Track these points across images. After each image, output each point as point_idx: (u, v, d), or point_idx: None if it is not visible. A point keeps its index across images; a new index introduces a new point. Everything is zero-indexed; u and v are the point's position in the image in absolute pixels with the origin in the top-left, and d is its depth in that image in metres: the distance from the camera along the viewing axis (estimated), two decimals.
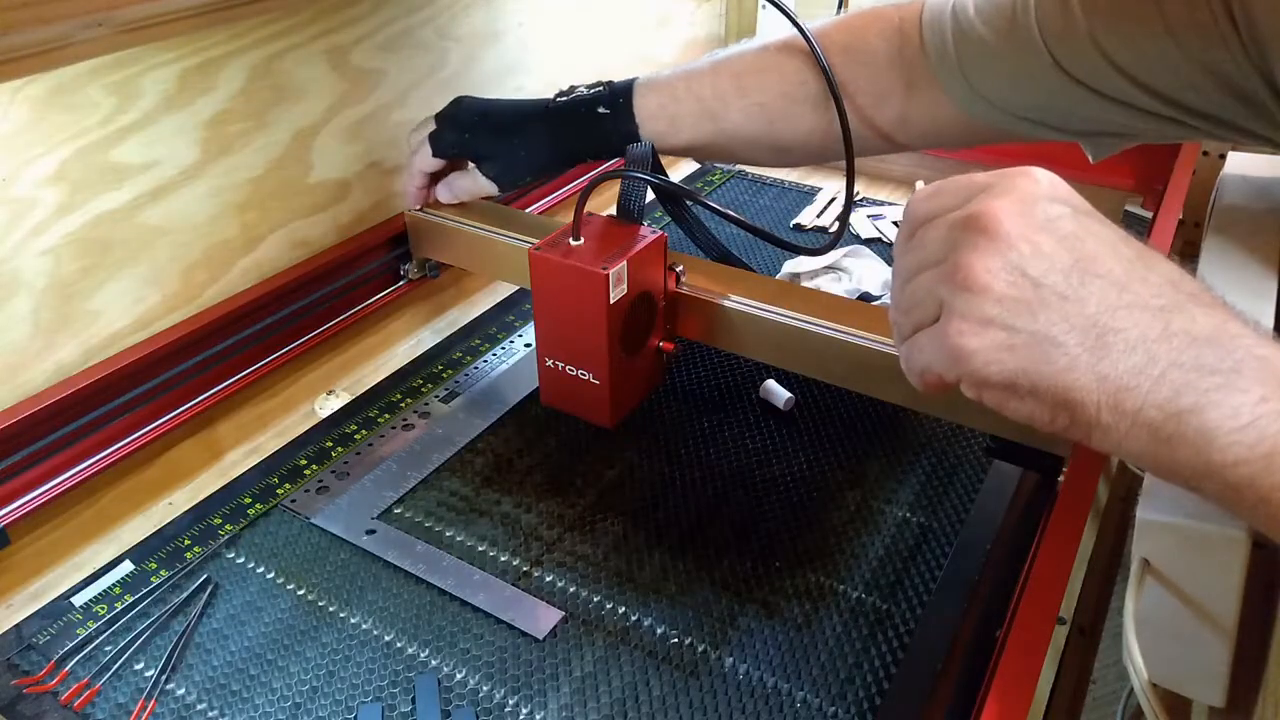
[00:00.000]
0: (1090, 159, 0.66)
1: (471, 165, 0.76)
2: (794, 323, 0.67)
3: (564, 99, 0.73)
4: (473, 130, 0.74)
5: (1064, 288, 0.36)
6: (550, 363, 0.68)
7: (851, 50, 0.68)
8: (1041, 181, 0.39)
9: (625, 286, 0.63)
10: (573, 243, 0.64)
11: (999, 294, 0.37)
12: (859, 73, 0.68)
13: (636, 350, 0.69)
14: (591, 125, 0.72)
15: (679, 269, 0.70)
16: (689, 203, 0.74)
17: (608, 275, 0.61)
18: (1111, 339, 0.36)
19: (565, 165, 0.77)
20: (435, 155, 0.75)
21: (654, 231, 0.67)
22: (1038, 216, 0.37)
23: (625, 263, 0.62)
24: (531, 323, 0.86)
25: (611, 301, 0.62)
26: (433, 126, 0.75)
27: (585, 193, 0.64)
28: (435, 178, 0.79)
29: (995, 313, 0.37)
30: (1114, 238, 0.38)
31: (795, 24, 0.68)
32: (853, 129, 0.68)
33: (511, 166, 0.75)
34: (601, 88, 0.72)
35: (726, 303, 0.69)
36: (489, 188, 0.76)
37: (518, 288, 0.90)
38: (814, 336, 0.66)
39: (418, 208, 0.79)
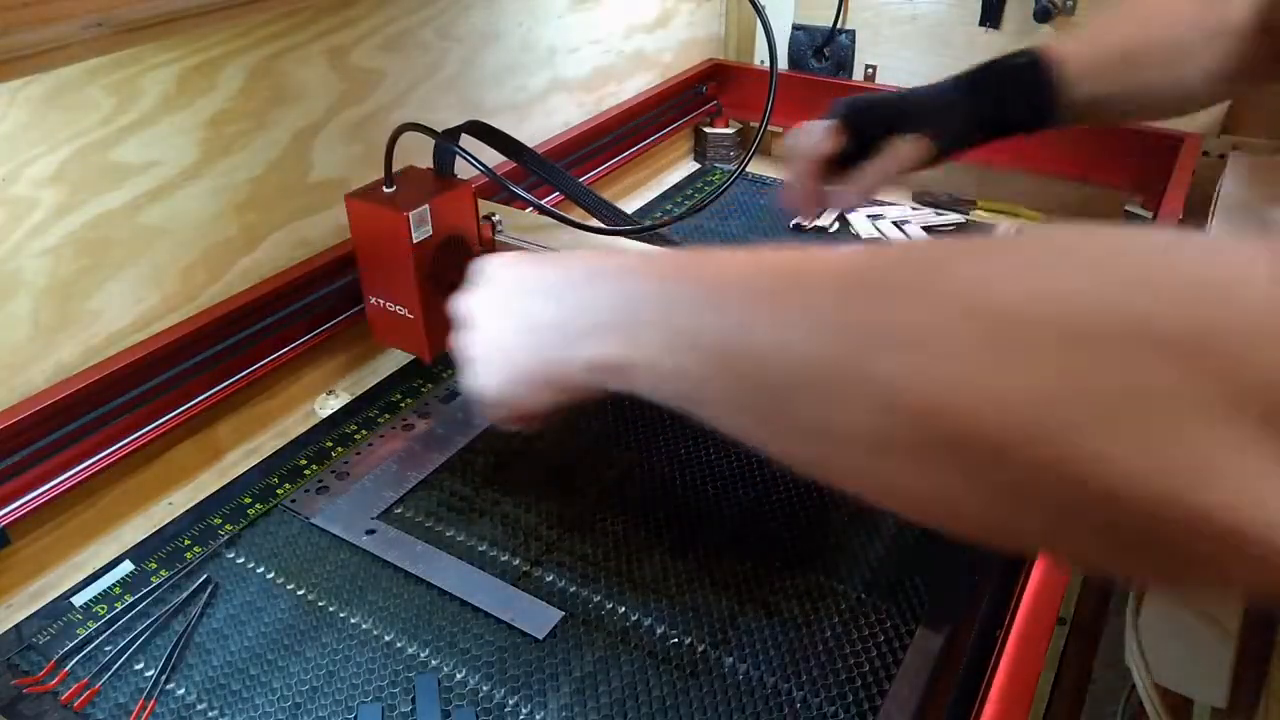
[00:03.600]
0: None
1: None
2: None
3: (970, 68, 0.68)
4: (883, 104, 0.67)
5: (504, 329, 0.46)
6: (374, 300, 0.74)
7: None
8: (495, 275, 0.48)
9: (429, 228, 0.69)
10: (385, 190, 0.69)
11: (471, 346, 0.47)
12: (1206, 17, 0.65)
13: (452, 290, 0.72)
14: (1011, 79, 0.66)
15: (496, 218, 0.75)
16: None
17: (408, 217, 0.67)
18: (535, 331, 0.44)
19: (988, 131, 0.69)
20: (844, 128, 0.66)
21: (464, 182, 0.72)
22: (483, 300, 0.47)
23: (427, 207, 0.68)
24: None
25: (415, 242, 0.68)
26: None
27: (391, 141, 0.68)
28: (821, 173, 0.69)
29: (474, 355, 0.47)
30: (534, 288, 0.45)
31: (758, 10, 0.68)
32: (1228, 69, 0.65)
33: (942, 126, 0.66)
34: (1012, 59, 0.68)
35: (546, 251, 0.72)
36: (915, 153, 0.66)
37: None
38: None
39: (807, 223, 0.69)
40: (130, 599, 0.59)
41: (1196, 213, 0.94)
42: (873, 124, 0.68)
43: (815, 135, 0.67)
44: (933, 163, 0.68)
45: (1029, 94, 0.67)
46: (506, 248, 0.75)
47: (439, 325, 0.73)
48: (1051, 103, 0.66)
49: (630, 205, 1.11)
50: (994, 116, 0.68)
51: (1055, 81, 0.66)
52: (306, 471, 0.70)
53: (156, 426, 0.67)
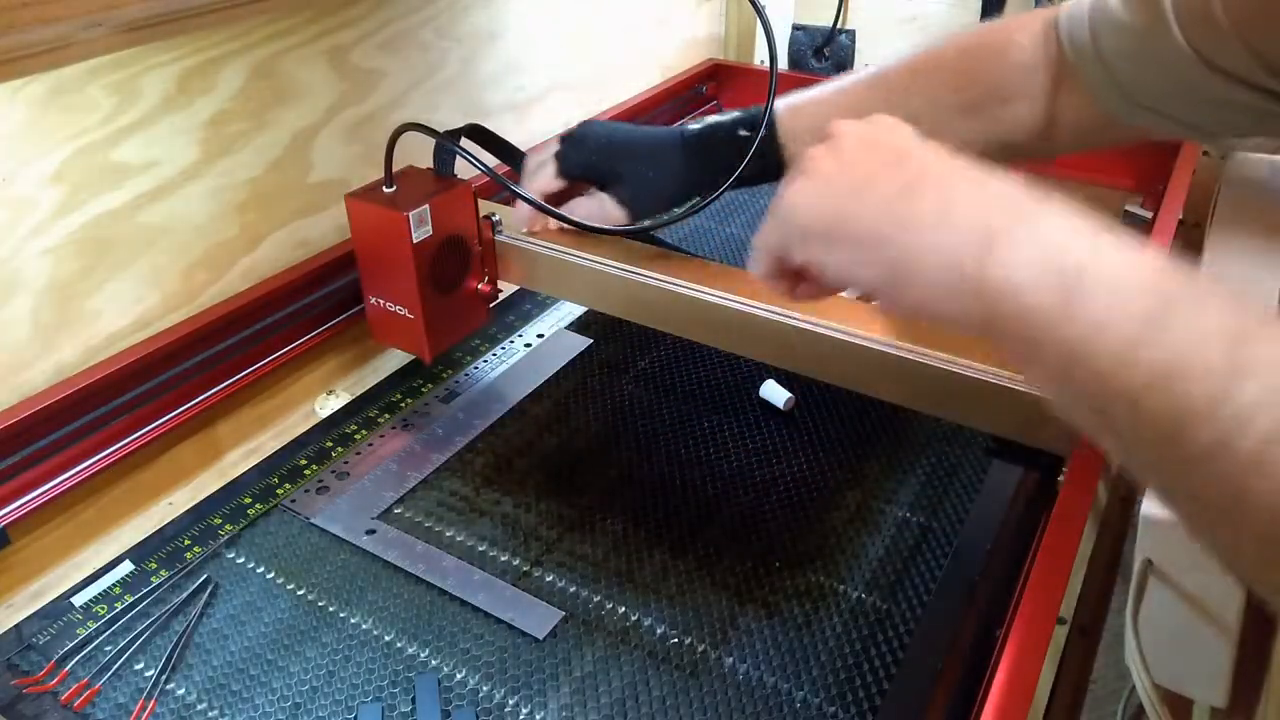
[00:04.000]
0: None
1: (596, 191, 0.72)
2: (603, 268, 0.71)
3: (698, 125, 0.71)
4: (601, 152, 0.71)
5: (887, 159, 0.42)
6: (374, 300, 0.74)
7: (1001, 51, 0.66)
8: (891, 119, 0.45)
9: (430, 228, 0.69)
10: (385, 190, 0.69)
11: (821, 164, 0.43)
12: (1010, 75, 0.66)
13: (451, 290, 0.74)
14: (732, 149, 0.69)
15: (495, 218, 0.75)
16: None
17: (408, 217, 0.67)
18: (920, 188, 0.40)
19: (700, 193, 0.72)
20: (560, 175, 0.72)
21: (464, 182, 0.72)
22: (872, 129, 0.45)
23: (427, 206, 0.68)
24: (532, 322, 0.87)
25: (415, 241, 0.68)
26: (554, 148, 0.72)
27: (391, 141, 0.68)
28: (552, 204, 0.74)
29: (820, 173, 0.43)
30: (940, 150, 0.43)
31: (758, 10, 0.69)
32: (1005, 133, 0.67)
33: (645, 192, 0.70)
34: (739, 112, 0.70)
35: (545, 251, 0.73)
36: (617, 214, 0.71)
37: (516, 288, 0.90)
38: (622, 280, 0.71)
39: (526, 230, 0.74)
40: (130, 599, 0.59)
41: (1197, 213, 0.94)
42: (587, 174, 0.72)
43: (541, 174, 0.72)
44: (634, 228, 0.72)
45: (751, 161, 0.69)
46: (506, 248, 0.75)
47: (439, 325, 0.74)
48: (778, 167, 0.69)
49: None
50: (709, 180, 0.70)
51: (781, 152, 0.69)
52: (306, 471, 0.70)
53: (156, 426, 0.67)
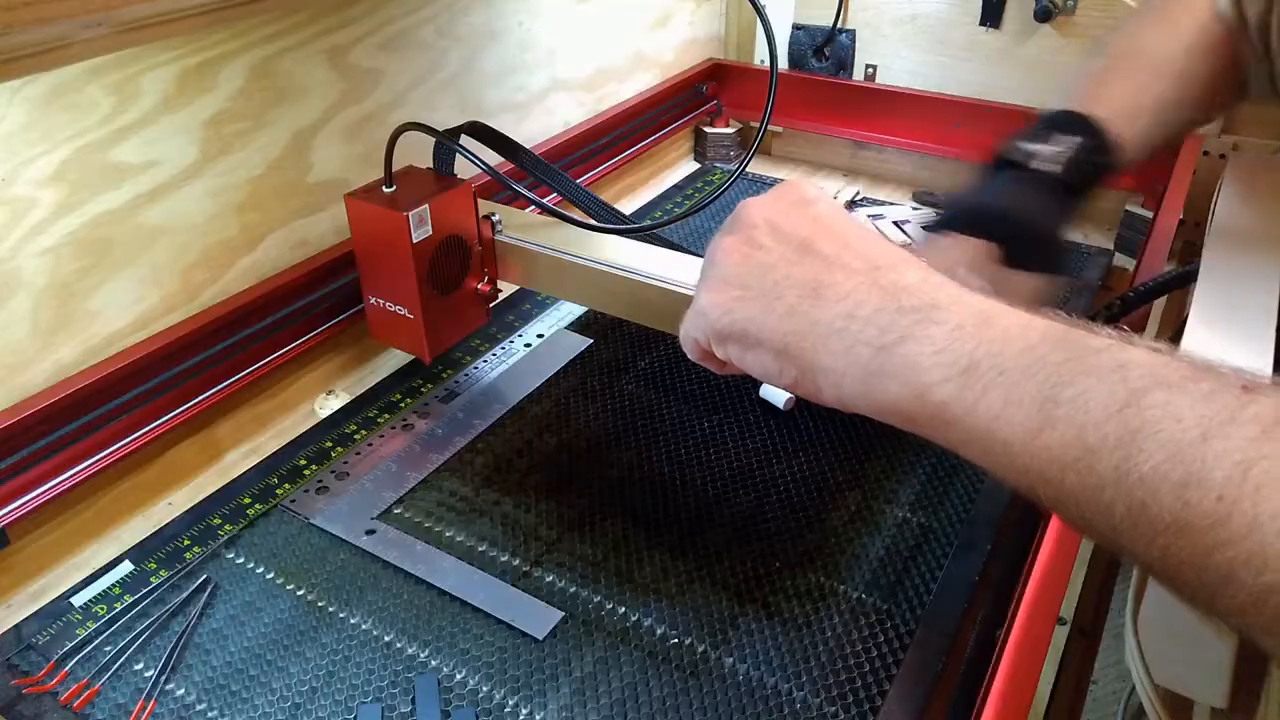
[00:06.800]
0: None
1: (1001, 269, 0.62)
2: (604, 269, 0.71)
3: (1056, 166, 0.62)
4: (992, 226, 0.61)
5: (792, 257, 0.43)
6: (374, 300, 0.74)
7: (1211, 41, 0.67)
8: (800, 186, 0.46)
9: (429, 228, 0.69)
10: (385, 190, 0.70)
11: (737, 261, 0.44)
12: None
13: (451, 290, 0.74)
14: (1098, 177, 0.64)
15: (495, 218, 0.75)
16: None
17: (408, 217, 0.67)
18: (825, 291, 0.41)
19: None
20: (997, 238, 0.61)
21: (464, 182, 0.72)
22: (781, 206, 0.45)
23: (427, 206, 0.68)
24: (532, 322, 0.87)
25: (415, 242, 0.68)
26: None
27: (392, 140, 0.68)
28: None
29: (733, 274, 0.44)
30: (846, 229, 0.43)
31: (758, 10, 0.69)
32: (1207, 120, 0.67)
33: (1034, 250, 0.61)
34: (1073, 136, 0.63)
35: (545, 251, 0.73)
36: (1042, 283, 0.61)
37: (516, 288, 0.90)
38: (622, 280, 0.70)
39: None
40: (130, 599, 0.59)
41: (1197, 213, 0.94)
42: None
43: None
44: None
45: (1103, 181, 0.65)
46: (506, 248, 0.75)
47: (439, 325, 0.74)
48: (1114, 170, 0.65)
49: (630, 205, 1.12)
50: (1077, 213, 0.65)
51: (1117, 164, 0.64)
52: (306, 472, 0.70)
53: (156, 426, 0.67)
